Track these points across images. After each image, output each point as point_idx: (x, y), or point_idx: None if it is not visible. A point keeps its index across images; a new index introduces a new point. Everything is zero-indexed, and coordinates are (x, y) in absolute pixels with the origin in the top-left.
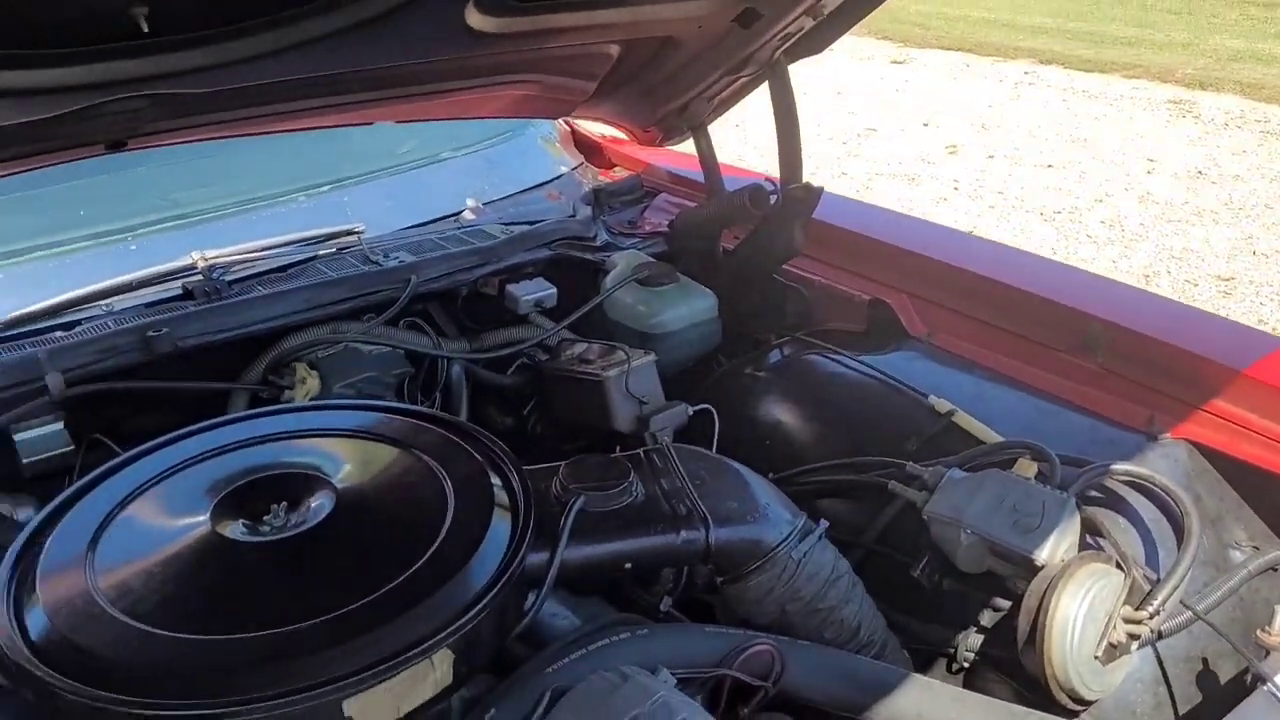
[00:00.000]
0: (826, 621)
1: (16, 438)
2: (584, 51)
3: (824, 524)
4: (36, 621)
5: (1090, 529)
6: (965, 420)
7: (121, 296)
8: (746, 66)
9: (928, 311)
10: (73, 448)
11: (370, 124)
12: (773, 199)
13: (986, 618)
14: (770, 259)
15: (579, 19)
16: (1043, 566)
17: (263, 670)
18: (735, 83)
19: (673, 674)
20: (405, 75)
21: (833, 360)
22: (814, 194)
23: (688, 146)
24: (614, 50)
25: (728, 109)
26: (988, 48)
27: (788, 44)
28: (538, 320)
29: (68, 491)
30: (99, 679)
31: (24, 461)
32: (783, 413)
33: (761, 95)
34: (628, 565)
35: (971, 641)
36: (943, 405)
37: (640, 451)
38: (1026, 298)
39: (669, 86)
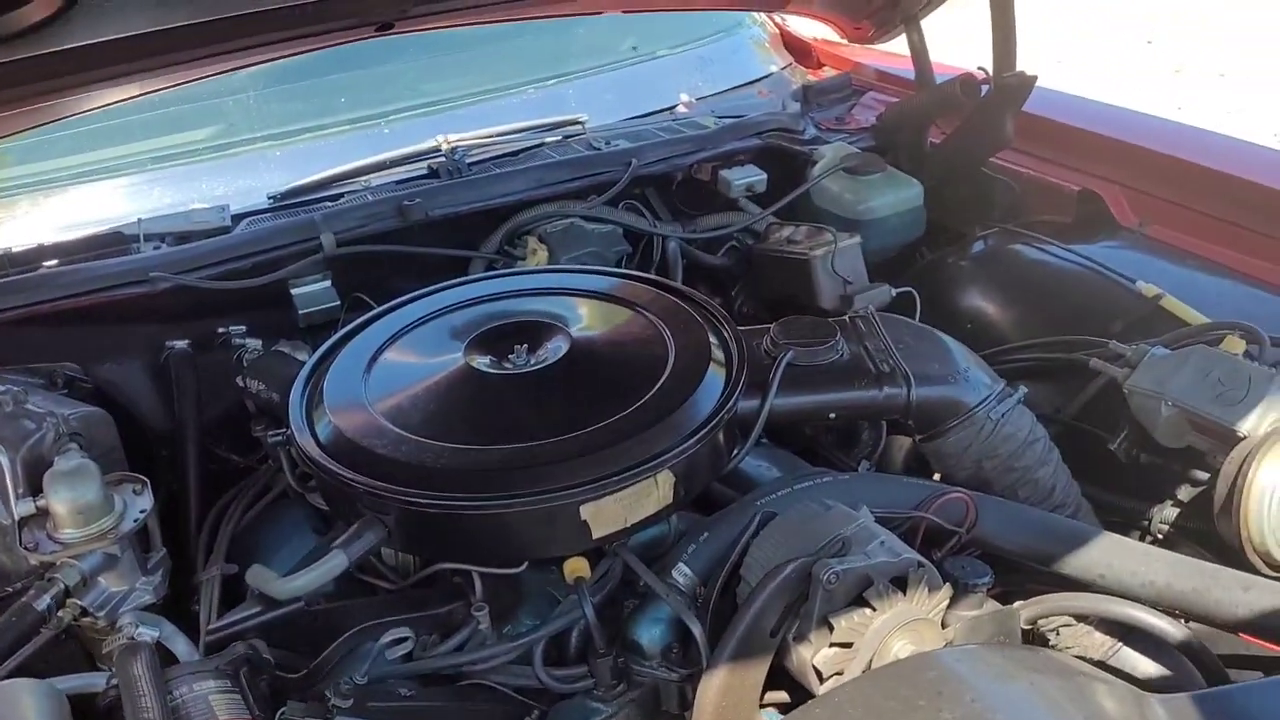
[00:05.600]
0: (1021, 480)
1: (294, 292)
2: None
3: (1022, 389)
4: (325, 430)
5: None
6: (1173, 304)
7: (377, 174)
8: None
9: (1140, 203)
10: (339, 303)
11: (600, 13)
12: (983, 90)
13: (1183, 492)
14: (979, 150)
15: None
16: (1245, 438)
17: (513, 475)
18: None
19: (872, 513)
20: None
21: (1038, 249)
22: (1027, 83)
23: (897, 46)
24: None
25: (942, 2)
26: None
27: None
28: (746, 205)
29: (345, 330)
30: (379, 474)
31: (300, 312)
32: (985, 299)
33: None
34: (832, 415)
35: (1166, 514)
36: (1150, 290)
37: (847, 316)
38: (1246, 186)
39: None
